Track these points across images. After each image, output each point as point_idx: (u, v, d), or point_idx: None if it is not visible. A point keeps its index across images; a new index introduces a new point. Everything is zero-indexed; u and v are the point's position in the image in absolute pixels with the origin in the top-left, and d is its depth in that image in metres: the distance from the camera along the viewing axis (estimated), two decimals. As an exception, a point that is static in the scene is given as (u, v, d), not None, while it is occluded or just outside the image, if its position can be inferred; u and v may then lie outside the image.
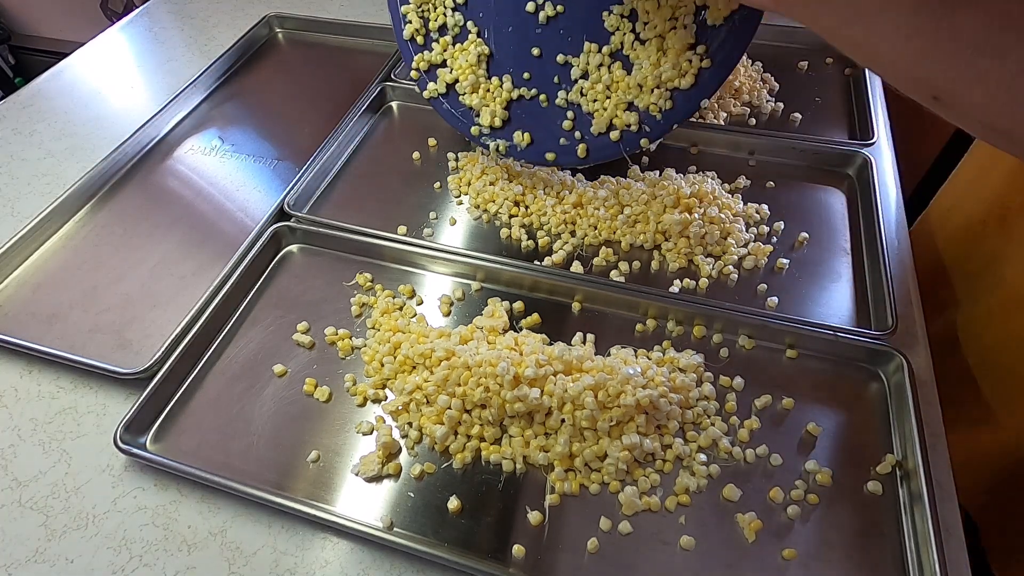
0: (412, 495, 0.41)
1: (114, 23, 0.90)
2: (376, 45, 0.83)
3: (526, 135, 0.59)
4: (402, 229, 0.57)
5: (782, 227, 0.57)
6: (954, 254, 0.61)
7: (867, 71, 0.74)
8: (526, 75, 0.58)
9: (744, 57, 0.67)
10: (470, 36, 0.59)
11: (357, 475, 0.42)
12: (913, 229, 0.66)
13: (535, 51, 0.57)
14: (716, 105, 0.69)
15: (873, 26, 0.31)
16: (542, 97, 0.58)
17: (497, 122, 0.59)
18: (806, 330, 0.48)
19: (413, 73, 0.62)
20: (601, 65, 0.55)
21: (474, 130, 0.60)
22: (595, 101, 0.56)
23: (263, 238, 0.56)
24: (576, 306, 0.52)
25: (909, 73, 0.32)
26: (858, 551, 0.39)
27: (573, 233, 0.57)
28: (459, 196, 0.61)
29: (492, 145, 0.60)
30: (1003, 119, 0.29)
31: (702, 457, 0.43)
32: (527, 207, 0.59)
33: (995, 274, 0.54)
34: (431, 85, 0.61)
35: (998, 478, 0.52)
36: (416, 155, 0.66)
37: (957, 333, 0.56)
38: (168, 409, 0.46)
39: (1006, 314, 0.52)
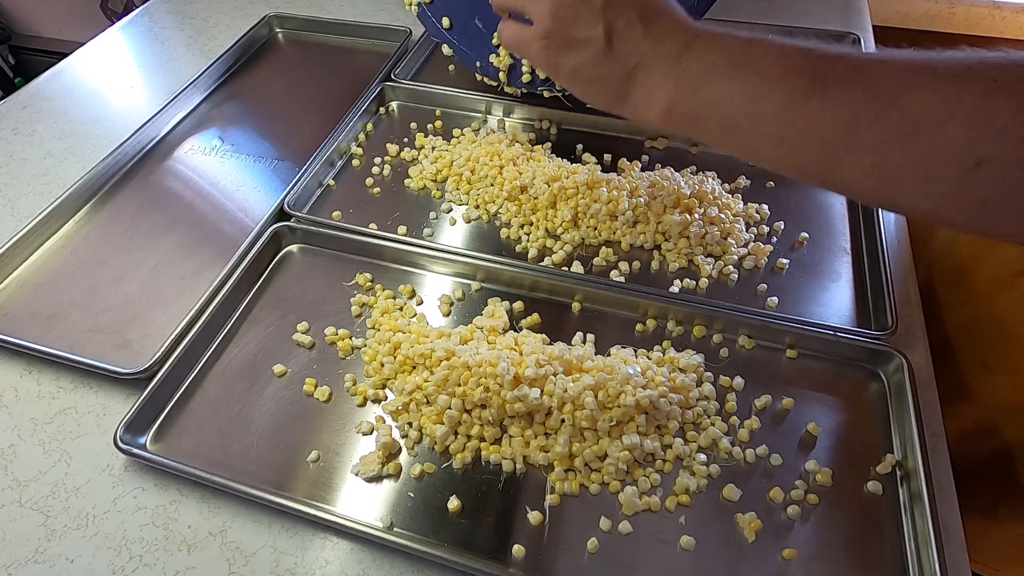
0: (412, 495, 0.41)
1: (114, 23, 0.90)
2: (376, 45, 0.83)
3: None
4: (402, 229, 0.57)
5: (782, 227, 0.57)
6: (954, 254, 0.61)
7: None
8: None
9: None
10: None
11: (357, 475, 0.42)
12: (914, 230, 0.66)
13: None
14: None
15: (748, 138, 0.34)
16: None
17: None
18: (806, 330, 0.48)
19: None
20: None
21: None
22: None
23: (263, 238, 0.56)
24: (576, 306, 0.52)
25: (791, 170, 0.35)
26: (858, 551, 0.39)
27: (576, 225, 0.57)
28: (452, 201, 0.61)
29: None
30: (878, 196, 0.32)
31: (702, 457, 0.43)
32: (523, 205, 0.59)
33: (995, 276, 0.54)
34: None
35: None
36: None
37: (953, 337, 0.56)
38: (168, 409, 0.46)
39: (1004, 322, 0.52)
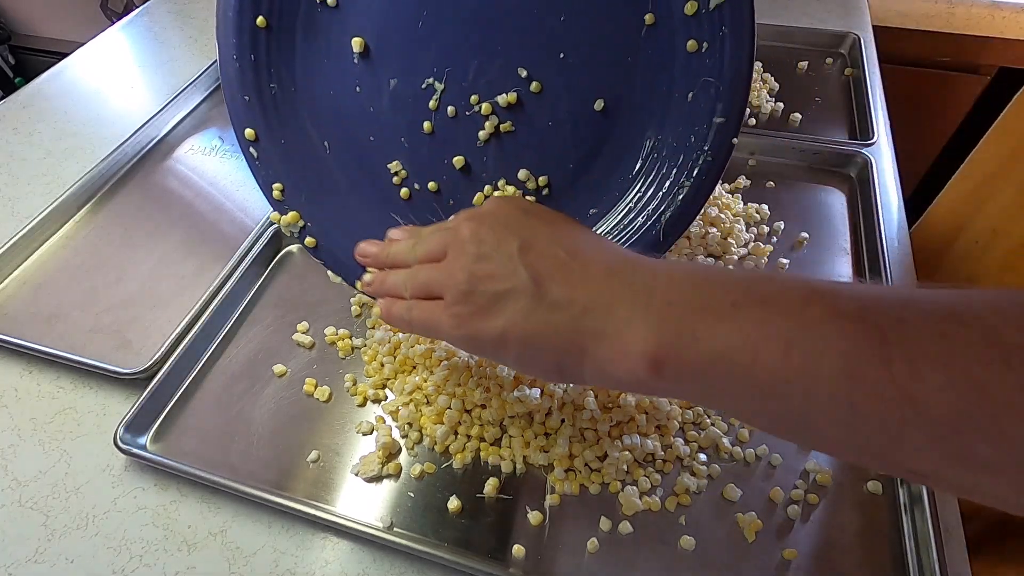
0: (412, 495, 0.41)
1: (114, 23, 0.90)
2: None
3: None
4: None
5: (782, 227, 0.57)
6: (955, 260, 0.61)
7: (867, 71, 0.74)
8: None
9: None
10: None
11: (357, 475, 0.42)
12: (914, 231, 0.66)
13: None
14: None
15: (802, 405, 0.24)
16: None
17: None
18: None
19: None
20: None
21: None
22: None
23: (263, 238, 0.56)
24: (576, 306, 0.52)
25: (873, 460, 0.25)
26: (858, 551, 0.39)
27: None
28: None
29: None
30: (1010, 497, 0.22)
31: (702, 457, 0.42)
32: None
33: (995, 281, 0.54)
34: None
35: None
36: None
37: None
38: (168, 409, 0.46)
39: None
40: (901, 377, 0.21)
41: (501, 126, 0.40)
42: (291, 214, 0.41)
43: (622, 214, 0.40)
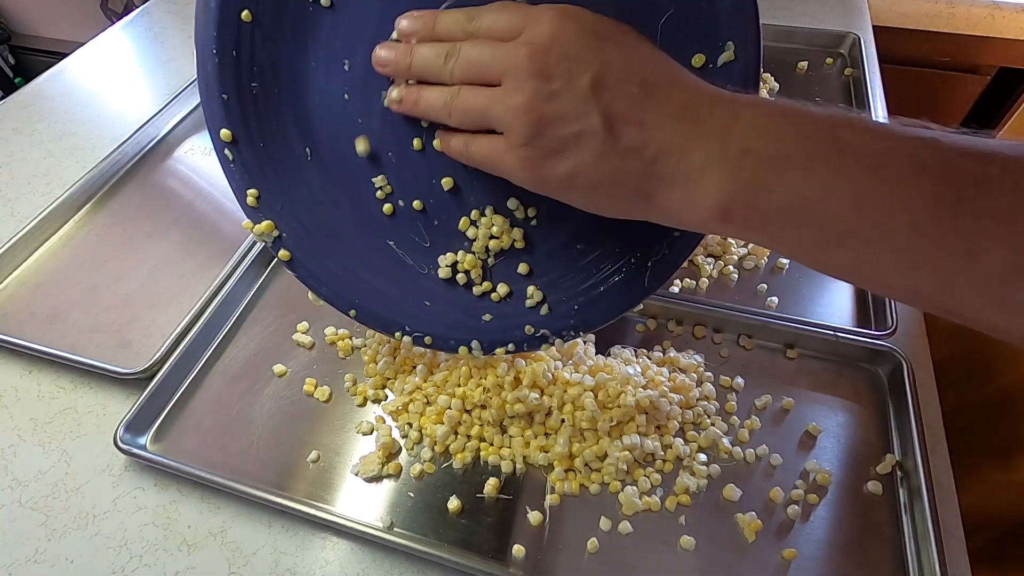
0: (412, 495, 0.41)
1: (114, 23, 0.90)
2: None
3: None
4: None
5: (782, 227, 0.57)
6: None
7: (867, 71, 0.74)
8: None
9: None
10: None
11: (357, 475, 0.42)
12: None
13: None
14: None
15: (861, 255, 0.25)
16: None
17: None
18: (806, 330, 0.48)
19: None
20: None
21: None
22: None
23: (263, 238, 0.56)
24: (576, 306, 0.52)
25: (919, 301, 0.26)
26: (858, 551, 0.39)
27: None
28: None
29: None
30: None
31: (702, 457, 0.43)
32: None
33: None
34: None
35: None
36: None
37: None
38: (168, 409, 0.46)
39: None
40: (965, 230, 0.22)
41: None
42: (265, 223, 0.39)
43: (612, 255, 0.38)
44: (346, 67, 0.37)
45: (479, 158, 0.32)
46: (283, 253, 0.40)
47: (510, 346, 0.40)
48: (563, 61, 0.27)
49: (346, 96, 0.38)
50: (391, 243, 0.40)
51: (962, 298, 0.24)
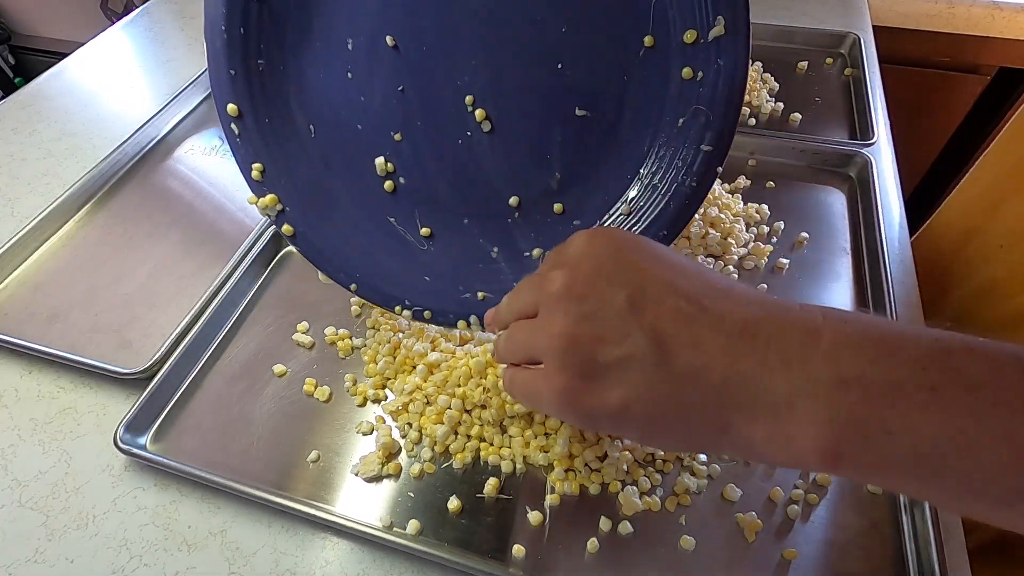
0: (412, 495, 0.41)
1: (114, 23, 0.90)
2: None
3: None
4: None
5: (782, 227, 0.57)
6: (959, 267, 0.60)
7: (867, 71, 0.74)
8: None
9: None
10: None
11: (357, 475, 0.42)
12: (919, 236, 0.66)
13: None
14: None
15: (990, 496, 0.21)
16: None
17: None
18: (806, 330, 0.48)
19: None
20: None
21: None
22: None
23: (263, 238, 0.56)
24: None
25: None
26: (858, 551, 0.39)
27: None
28: None
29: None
30: None
31: (702, 457, 0.42)
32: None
33: (998, 290, 0.54)
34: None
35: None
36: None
37: None
38: (168, 409, 0.46)
39: (1005, 333, 0.52)
40: None
41: (485, 128, 0.40)
42: (269, 196, 0.40)
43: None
44: (349, 46, 0.38)
45: (520, 392, 0.29)
46: (286, 228, 0.41)
47: None
48: (596, 279, 0.25)
49: (349, 74, 0.39)
50: (392, 219, 0.40)
51: None
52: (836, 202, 0.61)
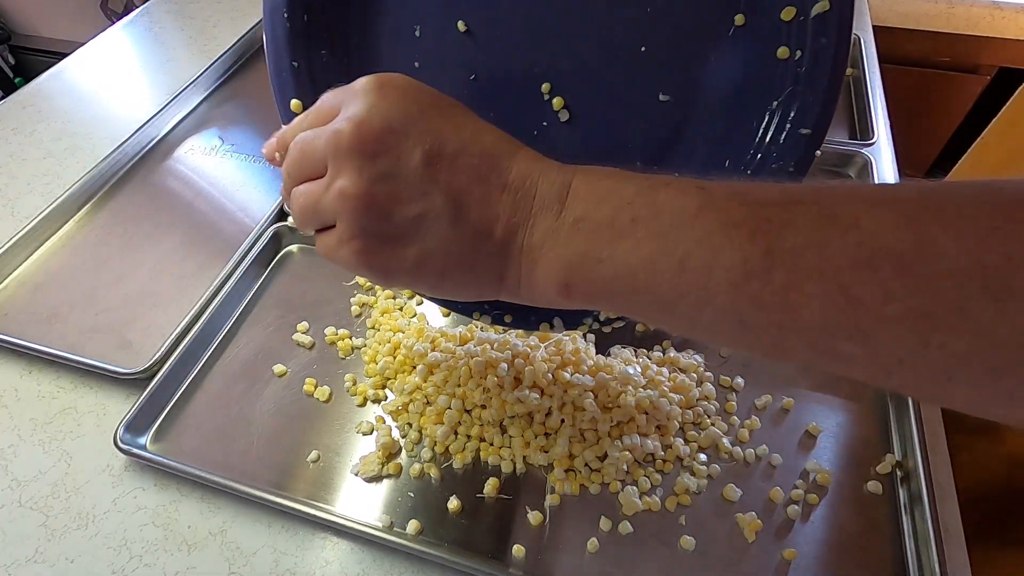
0: (412, 495, 0.41)
1: (114, 23, 0.90)
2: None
3: None
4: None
5: (782, 227, 0.57)
6: None
7: (867, 71, 0.74)
8: None
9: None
10: None
11: (357, 475, 0.42)
12: None
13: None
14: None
15: (690, 318, 0.24)
16: None
17: None
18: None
19: None
20: None
21: None
22: None
23: (263, 238, 0.56)
24: (576, 306, 0.52)
25: (752, 349, 0.25)
26: (858, 551, 0.39)
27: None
28: None
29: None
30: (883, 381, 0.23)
31: (702, 457, 0.43)
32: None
33: None
34: None
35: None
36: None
37: None
38: (168, 409, 0.46)
39: None
40: (780, 287, 0.22)
41: (563, 117, 0.37)
42: None
43: None
44: (417, 33, 0.36)
45: (322, 254, 0.28)
46: None
47: (591, 322, 0.38)
48: (388, 135, 0.25)
49: (416, 64, 0.37)
50: None
51: (796, 354, 0.23)
52: (836, 202, 0.61)
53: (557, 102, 0.37)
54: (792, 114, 0.34)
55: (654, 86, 0.36)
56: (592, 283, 0.25)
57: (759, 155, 0.35)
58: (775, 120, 0.35)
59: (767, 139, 0.35)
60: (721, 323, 0.24)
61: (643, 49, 0.36)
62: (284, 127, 0.30)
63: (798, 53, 0.33)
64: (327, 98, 0.27)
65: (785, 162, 0.35)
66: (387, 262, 0.26)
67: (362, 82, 0.26)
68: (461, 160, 0.25)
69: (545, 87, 0.37)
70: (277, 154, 0.30)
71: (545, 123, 0.38)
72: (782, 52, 0.33)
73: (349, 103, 0.26)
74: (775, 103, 0.34)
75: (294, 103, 0.36)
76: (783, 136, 0.35)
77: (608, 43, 0.36)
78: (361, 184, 0.25)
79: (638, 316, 0.26)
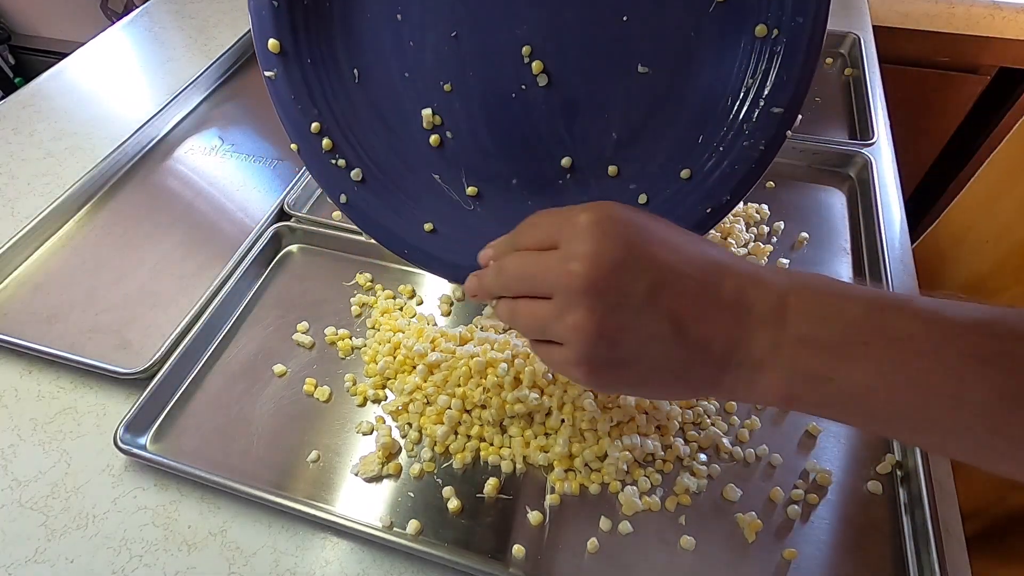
0: (412, 495, 0.41)
1: (114, 23, 0.90)
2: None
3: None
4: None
5: (782, 227, 0.57)
6: (952, 265, 0.60)
7: (867, 71, 0.74)
8: None
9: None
10: None
11: (357, 475, 0.42)
12: (921, 242, 0.66)
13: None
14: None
15: (939, 442, 0.27)
16: None
17: None
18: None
19: None
20: None
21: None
22: None
23: (263, 238, 0.56)
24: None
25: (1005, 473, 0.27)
26: (858, 551, 0.39)
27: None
28: None
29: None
30: None
31: (702, 457, 0.42)
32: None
33: (986, 286, 0.54)
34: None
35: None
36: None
37: None
38: (168, 409, 0.46)
39: None
40: None
41: (541, 81, 0.37)
42: (315, 124, 0.38)
43: (664, 198, 0.37)
44: None
45: (545, 363, 0.32)
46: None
47: None
48: (615, 275, 0.27)
49: (399, 16, 0.37)
50: (436, 176, 0.39)
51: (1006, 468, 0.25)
52: (836, 202, 0.61)
53: (536, 66, 0.37)
54: (767, 91, 0.35)
55: (634, 57, 0.37)
56: (820, 397, 0.27)
57: (731, 133, 0.36)
58: (749, 97, 0.35)
59: (740, 116, 0.36)
60: (964, 450, 0.26)
61: (624, 19, 0.36)
62: (497, 241, 0.33)
63: (775, 31, 0.34)
64: (541, 222, 0.30)
65: (756, 140, 0.35)
66: (613, 381, 0.29)
67: (584, 217, 0.28)
68: (680, 285, 0.27)
69: (526, 50, 0.37)
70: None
71: (524, 86, 0.38)
72: (760, 30, 0.34)
73: (572, 240, 0.28)
74: (750, 79, 0.35)
75: (271, 42, 0.36)
76: (756, 113, 0.35)
77: (589, 11, 0.36)
78: (593, 321, 0.27)
79: (862, 427, 0.30)
